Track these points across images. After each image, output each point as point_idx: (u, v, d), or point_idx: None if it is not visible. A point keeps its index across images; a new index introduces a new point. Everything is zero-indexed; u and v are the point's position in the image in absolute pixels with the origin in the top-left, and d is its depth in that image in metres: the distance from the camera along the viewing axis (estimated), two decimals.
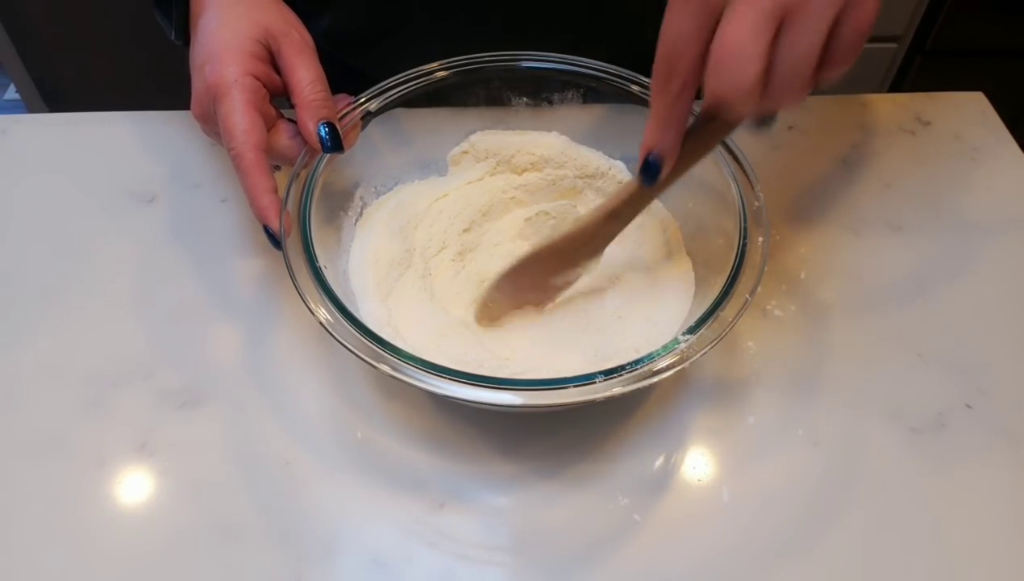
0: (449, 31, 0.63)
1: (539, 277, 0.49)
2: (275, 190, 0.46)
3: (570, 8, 0.63)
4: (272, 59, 0.49)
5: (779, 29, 0.33)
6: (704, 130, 0.40)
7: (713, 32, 0.34)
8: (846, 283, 0.56)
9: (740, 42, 0.33)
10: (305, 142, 0.48)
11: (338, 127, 0.48)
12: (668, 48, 0.36)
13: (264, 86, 0.48)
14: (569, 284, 0.50)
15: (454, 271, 0.53)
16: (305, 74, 0.48)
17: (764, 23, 0.33)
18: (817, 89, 0.35)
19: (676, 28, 0.35)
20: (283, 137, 0.49)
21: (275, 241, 0.46)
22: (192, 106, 0.49)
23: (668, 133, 0.38)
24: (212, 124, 0.48)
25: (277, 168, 0.51)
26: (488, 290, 0.50)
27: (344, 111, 0.50)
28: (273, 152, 0.49)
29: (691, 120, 0.39)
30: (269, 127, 0.48)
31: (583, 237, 0.46)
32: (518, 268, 0.48)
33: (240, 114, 0.46)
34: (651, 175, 0.40)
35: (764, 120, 0.39)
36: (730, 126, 0.40)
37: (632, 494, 0.46)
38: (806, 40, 0.33)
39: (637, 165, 0.40)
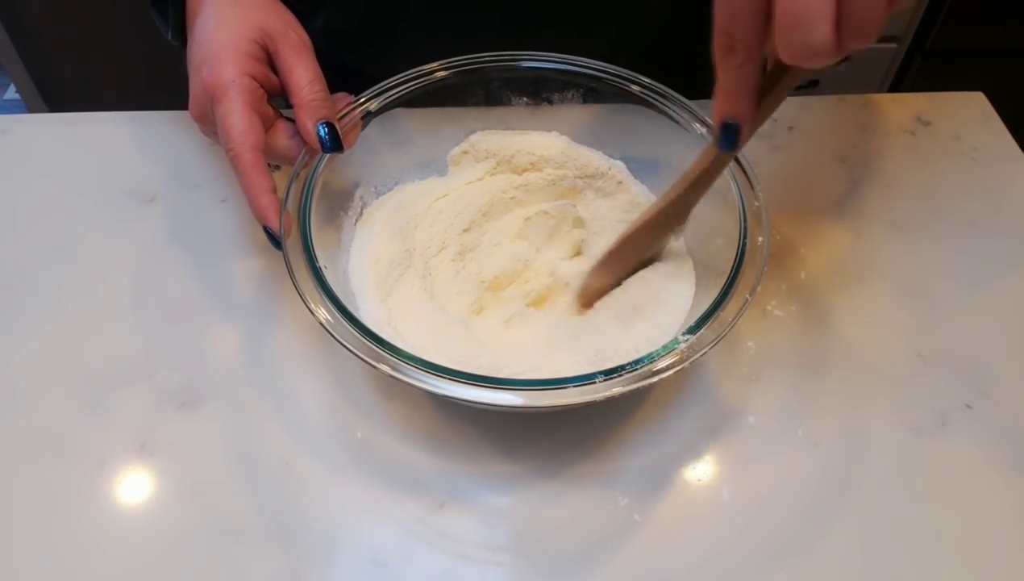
0: (448, 27, 0.63)
1: (633, 258, 0.51)
2: (274, 190, 0.46)
3: None
4: (269, 59, 0.49)
5: None
6: (775, 85, 0.38)
7: None
8: (846, 283, 0.56)
9: (807, 1, 0.31)
10: (304, 142, 0.48)
11: (337, 127, 0.48)
12: (727, 19, 0.34)
13: (262, 86, 0.48)
14: (660, 253, 0.52)
15: (454, 271, 0.53)
16: (303, 74, 0.48)
17: None
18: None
19: None
20: (282, 137, 0.49)
21: (275, 241, 0.46)
22: (190, 107, 0.49)
23: (741, 102, 0.37)
24: (210, 125, 0.48)
25: (276, 168, 0.51)
26: (592, 271, 0.51)
27: (344, 111, 0.50)
28: (272, 152, 0.49)
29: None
30: (267, 127, 0.48)
31: (672, 208, 0.47)
32: (610, 257, 0.50)
33: (238, 115, 0.46)
34: (730, 141, 0.39)
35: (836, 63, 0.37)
36: (801, 75, 0.38)
37: (632, 494, 0.46)
38: None
39: (714, 132, 0.39)
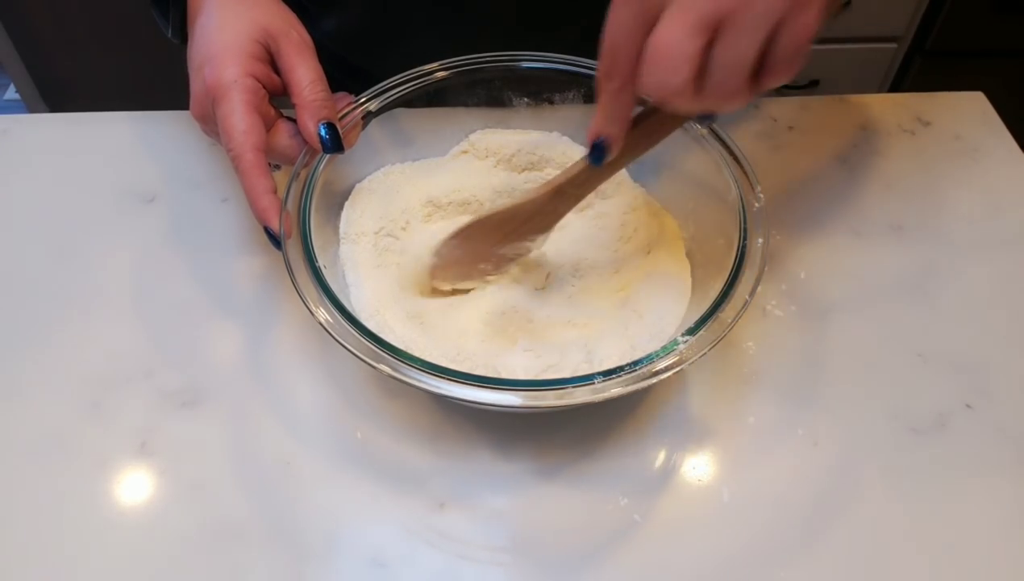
0: (458, 26, 0.63)
1: (483, 246, 0.50)
2: (274, 190, 0.46)
3: None
4: (271, 59, 0.49)
5: (715, 34, 0.33)
6: (651, 120, 0.41)
7: (650, 31, 0.35)
8: (846, 283, 0.56)
9: (671, 44, 0.33)
10: (305, 142, 0.48)
11: (338, 127, 0.48)
12: (609, 45, 0.36)
13: (263, 86, 0.48)
14: (518, 256, 0.51)
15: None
16: (305, 74, 0.48)
17: (698, 27, 0.33)
18: (760, 94, 0.36)
19: (616, 25, 0.36)
20: (283, 137, 0.49)
21: (275, 241, 0.46)
22: (191, 107, 0.49)
23: (612, 124, 0.40)
24: (212, 125, 0.48)
25: (276, 168, 0.51)
26: (432, 256, 0.50)
27: (344, 111, 0.50)
28: (273, 152, 0.49)
29: (639, 109, 0.40)
30: (268, 127, 0.48)
31: (529, 211, 0.47)
32: (459, 235, 0.49)
33: (239, 115, 0.46)
34: (598, 157, 0.42)
35: (703, 117, 0.40)
36: (676, 119, 0.41)
37: (632, 494, 0.46)
38: (740, 47, 0.33)
39: (587, 145, 0.42)
